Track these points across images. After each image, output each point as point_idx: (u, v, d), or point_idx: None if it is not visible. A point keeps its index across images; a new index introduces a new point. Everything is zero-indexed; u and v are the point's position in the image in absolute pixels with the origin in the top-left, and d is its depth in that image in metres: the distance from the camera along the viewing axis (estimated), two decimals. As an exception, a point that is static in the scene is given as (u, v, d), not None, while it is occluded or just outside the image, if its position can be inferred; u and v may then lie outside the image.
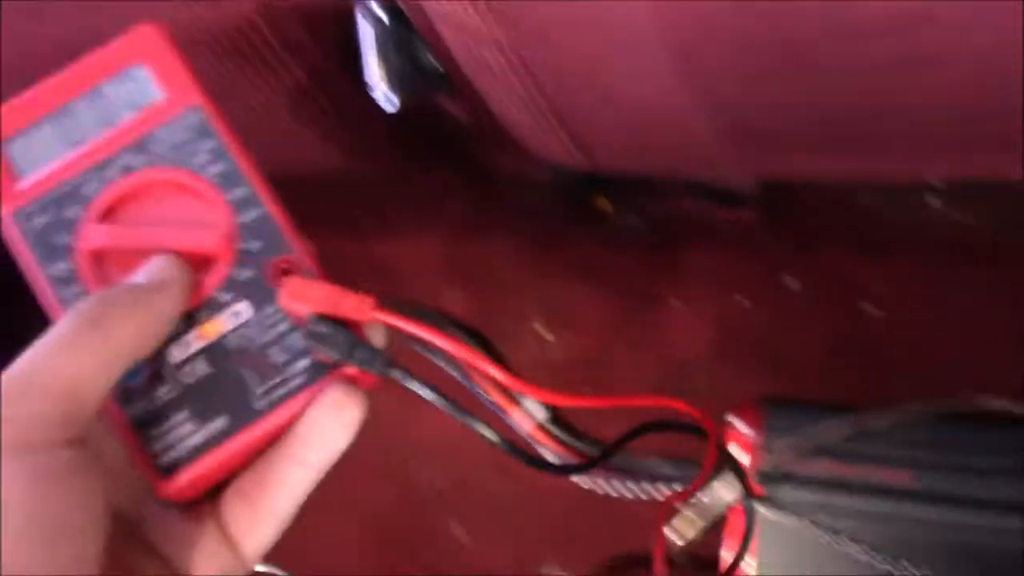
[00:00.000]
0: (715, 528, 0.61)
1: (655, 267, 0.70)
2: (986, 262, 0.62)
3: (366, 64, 0.51)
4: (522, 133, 0.52)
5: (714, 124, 0.46)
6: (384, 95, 0.51)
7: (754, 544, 0.61)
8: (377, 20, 0.50)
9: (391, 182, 0.73)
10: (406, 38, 0.52)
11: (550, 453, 0.71)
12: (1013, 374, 0.60)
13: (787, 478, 0.61)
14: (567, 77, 0.45)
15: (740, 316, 0.67)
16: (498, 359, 0.74)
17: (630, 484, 0.67)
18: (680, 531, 0.60)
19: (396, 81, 0.51)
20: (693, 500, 0.62)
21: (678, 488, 0.64)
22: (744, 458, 0.63)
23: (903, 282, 0.64)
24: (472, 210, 0.75)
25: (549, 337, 0.72)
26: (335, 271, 0.84)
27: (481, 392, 0.75)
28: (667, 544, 0.59)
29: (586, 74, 0.45)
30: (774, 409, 0.64)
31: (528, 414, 0.73)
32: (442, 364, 0.76)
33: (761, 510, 0.61)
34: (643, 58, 0.41)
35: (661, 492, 0.65)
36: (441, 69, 0.54)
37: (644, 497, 0.66)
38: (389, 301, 0.78)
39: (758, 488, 0.61)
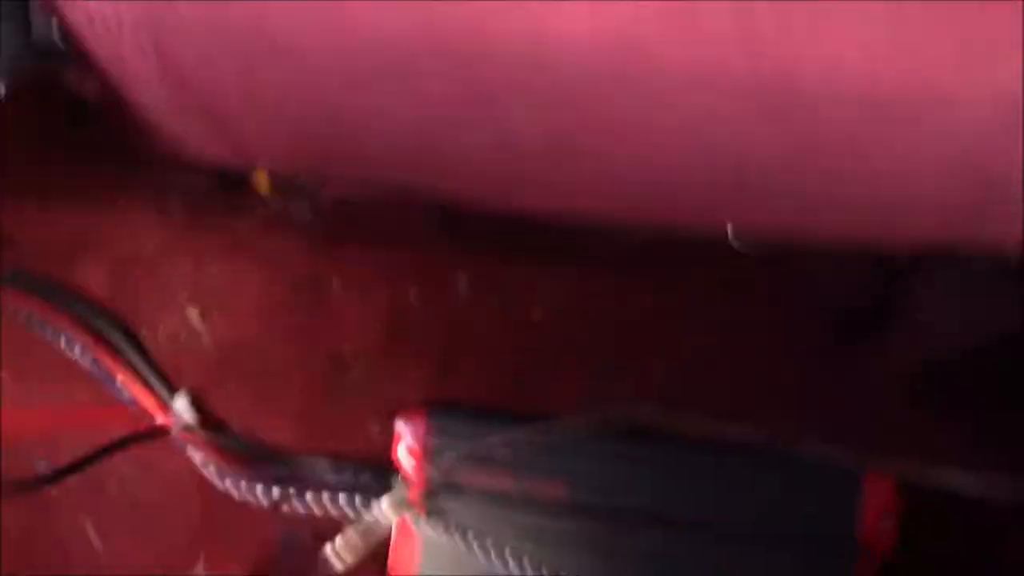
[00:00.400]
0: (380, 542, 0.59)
1: (321, 254, 0.65)
2: (640, 277, 0.63)
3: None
4: (172, 131, 0.45)
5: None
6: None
7: (416, 559, 0.60)
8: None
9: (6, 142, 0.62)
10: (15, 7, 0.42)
11: (200, 456, 0.65)
12: (668, 387, 0.62)
13: (449, 489, 0.59)
14: (219, 78, 0.39)
15: (408, 312, 0.64)
16: (134, 345, 0.67)
17: (294, 496, 0.64)
18: (342, 556, 0.57)
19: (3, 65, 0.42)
20: (356, 517, 0.59)
21: (343, 499, 0.61)
22: (409, 465, 0.61)
23: (568, 293, 0.63)
24: (110, 180, 0.66)
25: (200, 321, 0.66)
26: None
27: (118, 387, 0.67)
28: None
29: (241, 76, 0.38)
30: (439, 414, 0.62)
31: (176, 415, 0.67)
32: (71, 352, 0.68)
33: (423, 525, 0.59)
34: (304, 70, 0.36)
35: (326, 505, 0.62)
36: (62, 45, 0.45)
37: (304, 511, 0.63)
38: (12, 276, 0.68)
39: (421, 501, 0.60)
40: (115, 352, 0.71)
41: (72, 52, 0.42)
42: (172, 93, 0.41)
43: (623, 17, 0.30)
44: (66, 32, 0.41)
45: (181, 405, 0.69)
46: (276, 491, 0.65)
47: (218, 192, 0.65)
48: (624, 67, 0.31)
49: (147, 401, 0.70)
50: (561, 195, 0.43)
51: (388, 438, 0.62)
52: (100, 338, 0.71)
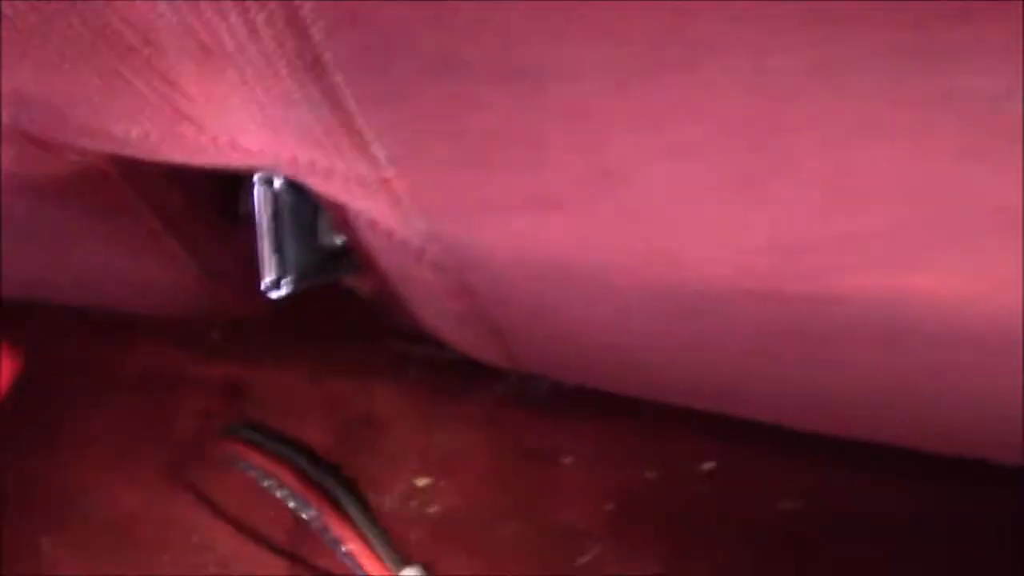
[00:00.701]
0: None
1: (555, 428, 0.63)
2: (902, 479, 0.58)
3: (262, 253, 0.42)
4: (442, 333, 0.44)
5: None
6: (273, 284, 0.42)
7: None
8: (274, 197, 0.41)
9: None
10: (304, 213, 0.43)
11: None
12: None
13: None
14: (515, 310, 0.38)
15: (644, 491, 0.62)
16: (363, 510, 0.67)
17: None
18: None
19: (292, 268, 0.42)
20: None
21: None
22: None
23: (822, 487, 0.59)
24: (354, 346, 0.67)
25: (429, 489, 0.65)
26: (189, 390, 0.73)
27: (345, 553, 0.67)
28: None
29: (538, 312, 0.37)
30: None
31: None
32: (300, 513, 0.68)
33: None
34: (614, 312, 0.34)
35: None
36: (344, 246, 0.45)
37: None
38: (245, 429, 0.69)
39: None
40: (344, 516, 0.71)
41: (354, 260, 0.43)
42: (455, 308, 0.40)
43: (1003, 279, 0.27)
44: (352, 245, 0.41)
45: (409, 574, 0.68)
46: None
47: (454, 363, 0.64)
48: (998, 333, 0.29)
49: (375, 570, 0.69)
50: (852, 429, 0.40)
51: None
52: (329, 500, 0.71)
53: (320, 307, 0.69)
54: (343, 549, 0.68)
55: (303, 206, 0.46)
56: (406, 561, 0.66)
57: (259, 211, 0.44)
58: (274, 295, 0.43)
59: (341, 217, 0.40)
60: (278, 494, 0.71)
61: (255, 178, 0.43)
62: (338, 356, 0.69)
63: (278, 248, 0.45)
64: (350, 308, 0.68)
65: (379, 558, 0.68)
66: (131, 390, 0.75)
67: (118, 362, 0.75)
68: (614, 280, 0.32)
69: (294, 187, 0.45)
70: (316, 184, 0.36)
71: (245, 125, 0.35)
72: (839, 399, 0.35)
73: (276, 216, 0.45)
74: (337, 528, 0.69)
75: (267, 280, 0.43)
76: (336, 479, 0.72)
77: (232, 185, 0.50)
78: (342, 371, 0.69)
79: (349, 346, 0.68)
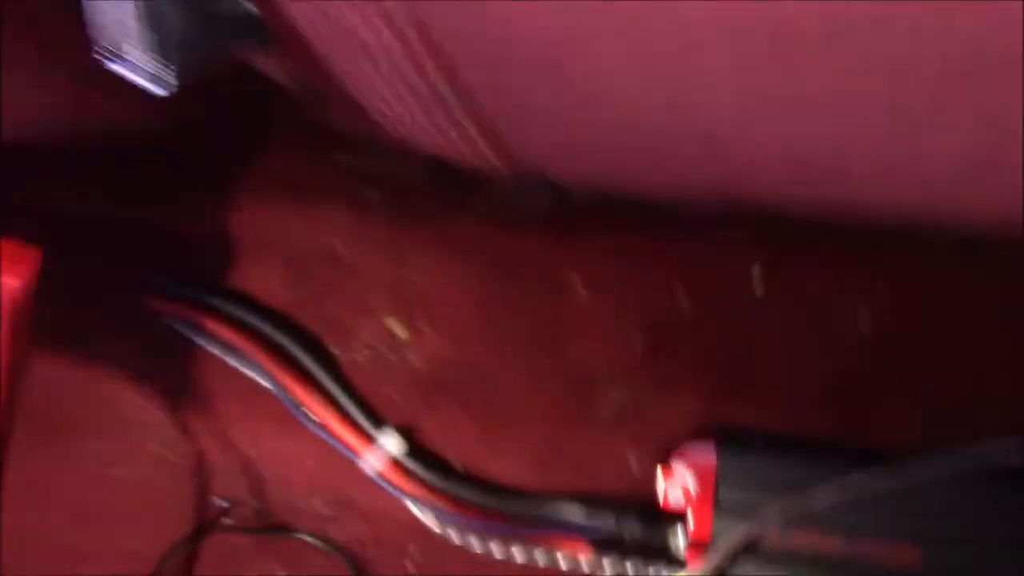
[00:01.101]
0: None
1: (561, 249, 0.51)
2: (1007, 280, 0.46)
3: (99, 18, 0.28)
4: (398, 127, 0.32)
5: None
6: (152, 72, 0.29)
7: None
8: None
9: (174, 135, 0.49)
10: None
11: (413, 498, 0.53)
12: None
13: (756, 552, 0.46)
14: (515, 75, 0.25)
15: (677, 318, 0.50)
16: (328, 368, 0.55)
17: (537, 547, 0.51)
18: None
19: (172, 48, 0.28)
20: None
21: (610, 558, 0.49)
22: (690, 512, 0.48)
23: (905, 294, 0.47)
24: (296, 165, 0.53)
25: (406, 335, 0.53)
26: (117, 240, 0.59)
27: (307, 415, 0.56)
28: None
29: (551, 74, 0.25)
30: (730, 447, 0.49)
31: (381, 450, 0.55)
32: (254, 375, 0.57)
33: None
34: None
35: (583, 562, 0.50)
36: (251, 11, 0.31)
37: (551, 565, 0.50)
38: (178, 286, 0.56)
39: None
40: (303, 374, 0.59)
41: (267, 30, 0.29)
42: (422, 87, 0.27)
43: None
44: (263, 9, 0.28)
45: (388, 439, 0.57)
46: (514, 541, 0.54)
47: (430, 178, 0.50)
48: None
49: (344, 432, 0.58)
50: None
51: (652, 475, 0.49)
52: (285, 361, 0.59)
53: (241, 120, 0.54)
54: (305, 412, 0.57)
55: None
56: (383, 423, 0.56)
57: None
58: (149, 88, 0.29)
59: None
60: (229, 361, 0.59)
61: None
62: (279, 181, 0.55)
63: (152, 20, 0.31)
64: (279, 119, 0.54)
65: (352, 423, 0.57)
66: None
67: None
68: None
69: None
70: None
71: None
72: None
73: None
74: (299, 393, 0.57)
75: (142, 63, 0.29)
76: (292, 334, 0.60)
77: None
78: (287, 199, 0.55)
79: (290, 166, 0.55)
